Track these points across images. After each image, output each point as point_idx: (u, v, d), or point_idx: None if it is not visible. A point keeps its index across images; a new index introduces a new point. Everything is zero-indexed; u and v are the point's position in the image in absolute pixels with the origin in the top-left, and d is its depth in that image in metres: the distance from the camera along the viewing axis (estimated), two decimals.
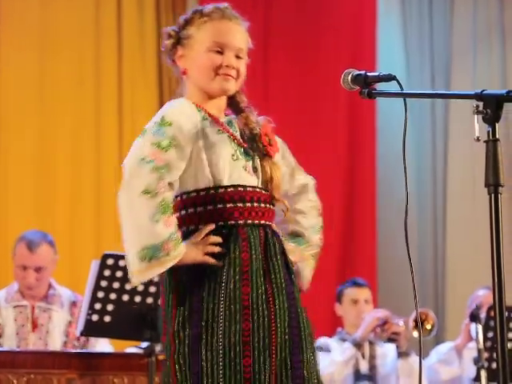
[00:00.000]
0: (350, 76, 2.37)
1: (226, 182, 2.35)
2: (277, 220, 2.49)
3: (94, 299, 3.55)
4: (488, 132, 1.99)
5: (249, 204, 2.36)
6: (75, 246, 5.66)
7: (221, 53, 2.41)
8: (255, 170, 2.41)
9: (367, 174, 6.28)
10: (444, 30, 6.64)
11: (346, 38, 6.32)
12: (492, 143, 1.98)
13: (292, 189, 2.54)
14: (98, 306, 3.56)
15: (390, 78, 2.30)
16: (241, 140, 2.42)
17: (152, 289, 3.60)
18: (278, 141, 2.51)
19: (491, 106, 1.98)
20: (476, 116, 1.99)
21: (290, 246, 2.48)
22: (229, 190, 2.34)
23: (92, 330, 3.61)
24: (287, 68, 6.10)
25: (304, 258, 2.52)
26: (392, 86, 2.31)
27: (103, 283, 3.55)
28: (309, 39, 6.26)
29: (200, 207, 2.33)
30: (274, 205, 2.44)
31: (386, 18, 6.59)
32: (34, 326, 4.26)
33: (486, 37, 6.58)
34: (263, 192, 2.40)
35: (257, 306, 2.28)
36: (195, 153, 2.33)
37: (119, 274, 3.56)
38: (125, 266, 3.51)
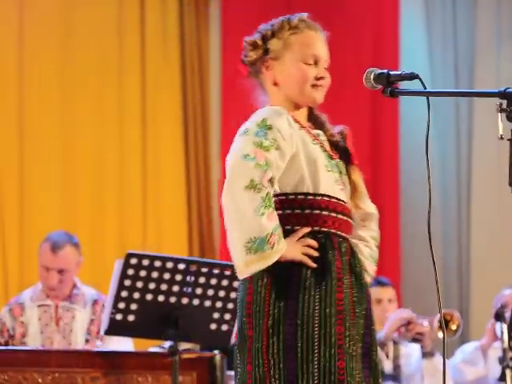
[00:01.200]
0: (373, 75, 2.37)
1: (323, 191, 2.39)
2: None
3: (117, 298, 3.56)
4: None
5: (340, 216, 2.41)
6: (98, 245, 5.69)
7: (312, 64, 2.46)
8: (345, 184, 2.46)
9: (390, 174, 6.25)
10: (468, 27, 6.60)
11: (368, 36, 6.30)
12: None
13: (357, 214, 2.54)
14: (121, 305, 3.56)
15: (413, 76, 2.30)
16: (331, 152, 2.45)
17: (175, 288, 3.60)
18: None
19: None
20: (500, 114, 1.98)
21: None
22: (325, 198, 2.39)
23: (116, 329, 3.62)
24: None
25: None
26: (415, 85, 2.30)
27: (127, 282, 3.56)
28: (330, 38, 6.23)
29: (297, 209, 2.39)
30: (353, 219, 2.48)
31: (408, 15, 6.56)
32: (58, 325, 4.28)
33: (509, 34, 6.54)
34: (349, 208, 2.45)
35: (347, 312, 2.34)
36: (296, 158, 2.38)
37: (143, 273, 3.57)
38: (148, 266, 3.54)
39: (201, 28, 6.20)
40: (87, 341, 4.28)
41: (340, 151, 2.48)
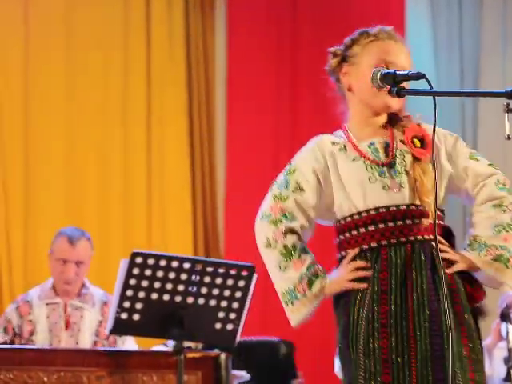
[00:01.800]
0: (379, 75, 2.38)
1: (365, 207, 2.42)
2: (468, 225, 2.48)
3: (122, 298, 3.55)
4: None
5: (391, 224, 2.41)
6: (104, 245, 5.69)
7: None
8: (402, 185, 2.42)
9: None
10: (473, 28, 6.60)
11: None
12: None
13: (475, 190, 2.49)
14: (126, 304, 3.56)
15: (419, 76, 2.30)
16: (381, 160, 2.44)
17: (180, 287, 3.60)
18: (445, 136, 2.48)
19: None
20: (506, 114, 1.98)
21: (458, 254, 2.44)
22: (371, 213, 2.42)
23: (121, 328, 3.61)
24: (315, 66, 6.09)
25: (485, 265, 2.44)
26: (420, 85, 2.30)
27: (132, 281, 3.55)
28: (336, 37, 6.24)
29: (347, 233, 2.46)
30: (426, 216, 2.41)
31: (414, 15, 6.56)
32: (67, 323, 4.28)
33: None
34: (412, 208, 2.41)
35: (395, 323, 2.34)
36: (332, 185, 2.45)
37: (148, 272, 3.56)
38: (153, 265, 3.54)
39: (206, 27, 6.21)
40: (95, 342, 4.28)
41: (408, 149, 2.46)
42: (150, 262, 3.54)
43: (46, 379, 3.56)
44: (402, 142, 2.47)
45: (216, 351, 3.74)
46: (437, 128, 2.39)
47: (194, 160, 6.12)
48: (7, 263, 5.50)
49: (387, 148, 2.46)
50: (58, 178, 5.72)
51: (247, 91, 6.18)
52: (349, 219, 2.44)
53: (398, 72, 2.35)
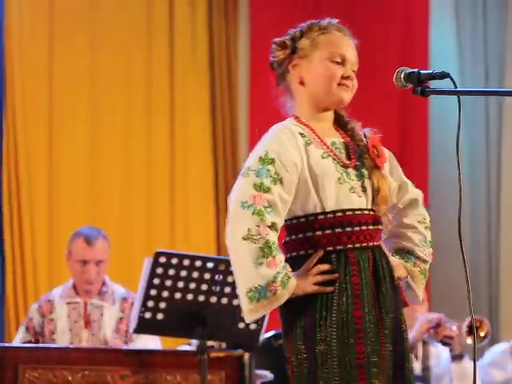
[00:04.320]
0: (403, 74, 2.36)
1: (333, 207, 2.35)
2: (384, 236, 2.49)
3: (146, 297, 3.57)
4: None
5: (357, 228, 2.36)
6: (127, 244, 5.71)
7: (340, 64, 2.44)
8: (364, 189, 2.40)
9: (419, 174, 6.22)
10: (498, 26, 6.56)
11: (398, 34, 6.28)
12: None
13: (401, 203, 2.52)
14: (150, 303, 3.58)
15: (443, 75, 2.29)
16: (346, 161, 2.41)
17: (204, 287, 3.61)
18: (386, 152, 2.49)
19: None
20: None
21: (395, 261, 2.47)
22: (337, 214, 2.35)
23: (145, 327, 3.64)
24: None
25: (413, 275, 2.50)
26: (444, 85, 2.29)
27: (156, 281, 3.57)
28: (360, 36, 6.20)
29: (309, 232, 2.36)
30: (381, 223, 2.43)
31: (438, 14, 6.53)
32: (87, 322, 4.30)
33: None
34: (371, 213, 2.40)
35: (369, 329, 2.31)
36: (302, 180, 2.35)
37: (171, 271, 3.58)
38: (177, 264, 3.55)
39: (230, 27, 6.20)
40: (115, 339, 4.29)
41: (363, 153, 2.44)
42: (174, 261, 3.55)
43: (70, 378, 3.58)
44: (359, 147, 2.44)
45: (239, 351, 3.74)
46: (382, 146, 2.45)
47: (217, 159, 6.12)
48: (32, 263, 5.53)
49: (348, 150, 2.43)
50: (82, 177, 5.74)
51: (270, 92, 6.17)
52: (312, 218, 2.35)
53: (421, 71, 2.35)
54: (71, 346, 4.12)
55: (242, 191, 2.33)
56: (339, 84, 2.41)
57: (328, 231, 2.34)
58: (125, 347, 4.19)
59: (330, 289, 2.32)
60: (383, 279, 2.37)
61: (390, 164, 2.49)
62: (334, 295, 2.32)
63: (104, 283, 4.37)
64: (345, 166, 2.39)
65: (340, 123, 2.49)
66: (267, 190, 2.30)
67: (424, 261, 2.50)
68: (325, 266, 2.33)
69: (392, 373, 2.34)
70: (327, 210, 2.34)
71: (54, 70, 5.73)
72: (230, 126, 6.15)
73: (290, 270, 2.32)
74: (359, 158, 2.42)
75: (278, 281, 2.28)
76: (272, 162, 2.33)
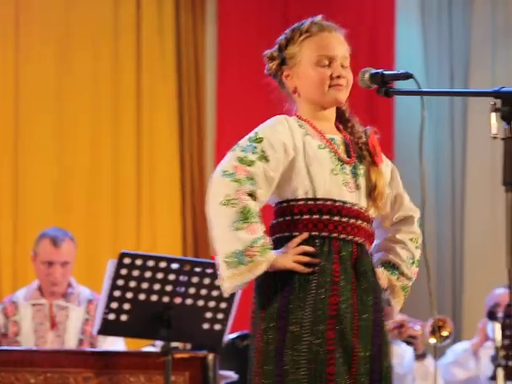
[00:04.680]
0: (368, 74, 2.37)
1: (324, 195, 2.38)
2: (374, 248, 2.52)
3: (110, 298, 3.55)
4: (505, 130, 1.97)
5: (345, 219, 2.38)
6: (92, 245, 5.68)
7: (328, 65, 2.44)
8: (358, 187, 2.42)
9: None
10: (463, 26, 6.61)
11: (364, 35, 6.30)
12: (509, 141, 1.96)
13: (395, 217, 2.53)
14: (114, 305, 3.55)
15: (407, 75, 2.30)
16: (345, 157, 2.43)
17: (168, 288, 3.59)
18: (389, 164, 2.52)
19: (509, 104, 1.96)
20: (493, 113, 1.97)
21: (378, 270, 2.49)
22: (327, 202, 2.38)
23: (109, 329, 3.61)
24: None
25: (393, 289, 2.53)
26: (410, 85, 2.30)
27: (120, 282, 3.55)
28: None
29: (297, 215, 2.38)
30: (370, 223, 2.45)
31: (404, 15, 6.57)
32: (52, 324, 4.28)
33: (505, 35, 6.54)
34: (362, 211, 2.42)
35: (343, 317, 2.32)
36: (294, 165, 2.37)
37: (136, 272, 3.56)
38: (141, 265, 3.53)
39: (197, 23, 6.19)
40: (81, 341, 4.27)
41: (362, 150, 2.47)
42: (138, 262, 3.53)
43: (33, 380, 3.55)
44: (357, 144, 2.47)
45: (204, 352, 3.73)
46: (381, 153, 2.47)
47: (184, 160, 6.11)
48: None
49: (347, 148, 2.46)
50: (48, 176, 5.70)
51: (237, 87, 6.17)
52: (302, 202, 2.37)
53: (385, 72, 2.35)
54: (33, 348, 4.09)
55: (226, 162, 2.36)
56: (331, 85, 2.43)
57: (316, 216, 2.37)
58: (88, 349, 4.16)
59: (308, 270, 2.33)
60: (363, 274, 2.38)
61: (391, 174, 2.51)
62: (314, 278, 2.33)
63: (70, 284, 4.36)
64: (341, 161, 2.42)
65: (341, 120, 2.52)
66: (250, 164, 2.33)
67: (408, 278, 2.52)
68: (309, 248, 2.35)
69: (371, 369, 2.35)
70: (317, 196, 2.37)
71: (20, 68, 5.69)
72: (196, 123, 6.13)
73: (271, 243, 2.34)
74: (358, 155, 2.45)
75: (256, 246, 2.29)
76: (260, 140, 2.37)
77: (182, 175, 6.09)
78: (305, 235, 2.36)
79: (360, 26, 6.31)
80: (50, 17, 5.76)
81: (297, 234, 2.37)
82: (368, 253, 2.44)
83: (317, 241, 2.36)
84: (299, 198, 2.38)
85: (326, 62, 2.44)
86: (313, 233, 2.37)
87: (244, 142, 2.38)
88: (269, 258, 2.31)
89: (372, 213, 2.46)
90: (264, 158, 2.35)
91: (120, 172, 5.89)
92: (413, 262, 2.54)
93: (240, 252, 2.28)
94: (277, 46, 2.52)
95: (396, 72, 2.33)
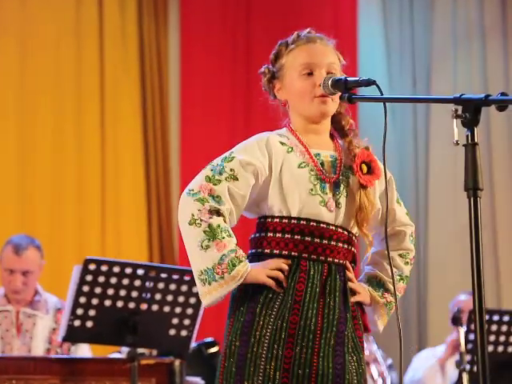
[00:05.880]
0: (331, 81, 2.39)
1: (298, 214, 2.39)
2: (365, 260, 2.53)
3: (75, 305, 3.54)
4: (467, 136, 2.00)
5: (317, 240, 2.39)
6: (57, 251, 5.64)
7: (311, 74, 2.44)
8: (338, 205, 2.41)
9: None
10: (424, 33, 6.67)
11: None
12: (471, 147, 1.99)
13: (388, 230, 2.46)
14: (79, 311, 3.54)
15: (370, 82, 2.32)
16: (326, 175, 2.42)
17: (134, 294, 3.59)
18: (388, 174, 2.47)
19: (470, 110, 1.99)
20: (455, 120, 2.00)
21: (362, 286, 2.49)
22: (301, 222, 2.39)
23: (74, 335, 3.60)
24: None
25: (376, 306, 2.51)
26: (374, 91, 2.32)
27: (85, 288, 3.54)
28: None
29: (270, 233, 2.41)
30: (351, 244, 2.44)
31: (366, 22, 6.62)
32: (18, 331, 4.25)
33: (466, 38, 6.61)
34: (339, 230, 2.41)
35: (302, 336, 2.34)
36: (269, 185, 2.40)
37: (101, 279, 3.55)
38: (107, 271, 3.52)
39: (160, 27, 6.20)
40: (48, 350, 4.25)
41: (350, 170, 2.45)
42: (103, 268, 3.52)
43: None
44: (350, 159, 2.46)
45: (170, 358, 3.73)
46: (379, 162, 2.46)
47: (149, 166, 6.10)
48: None
49: (334, 164, 2.45)
50: (11, 183, 5.67)
51: (201, 92, 6.17)
52: (276, 220, 2.40)
53: (348, 78, 2.37)
54: None
55: (194, 181, 2.41)
56: (316, 96, 2.42)
57: (287, 236, 2.39)
58: (54, 356, 4.14)
59: (279, 289, 2.37)
60: (332, 293, 2.38)
61: (388, 187, 2.45)
62: (278, 297, 2.37)
63: (36, 292, 4.33)
64: (322, 180, 2.41)
65: (339, 132, 2.51)
66: (216, 183, 2.37)
67: (393, 294, 2.51)
68: (285, 266, 2.38)
69: (330, 382, 2.34)
70: (291, 215, 2.39)
71: None
72: (161, 127, 6.13)
73: (243, 254, 2.37)
74: (345, 173, 2.44)
75: (224, 263, 2.33)
76: (231, 159, 2.40)
77: (147, 180, 6.08)
78: (281, 260, 2.38)
79: (322, 32, 6.33)
80: (9, 20, 5.72)
81: (267, 251, 2.40)
82: (342, 273, 2.42)
83: (288, 260, 2.38)
84: (275, 216, 2.40)
85: (309, 71, 2.44)
86: (283, 252, 2.39)
87: (216, 161, 2.42)
88: (240, 272, 2.35)
89: (356, 231, 2.45)
90: (232, 177, 2.37)
91: (84, 177, 5.87)
92: (401, 279, 2.54)
93: (210, 270, 2.34)
94: (270, 63, 2.55)
95: (358, 78, 2.36)
